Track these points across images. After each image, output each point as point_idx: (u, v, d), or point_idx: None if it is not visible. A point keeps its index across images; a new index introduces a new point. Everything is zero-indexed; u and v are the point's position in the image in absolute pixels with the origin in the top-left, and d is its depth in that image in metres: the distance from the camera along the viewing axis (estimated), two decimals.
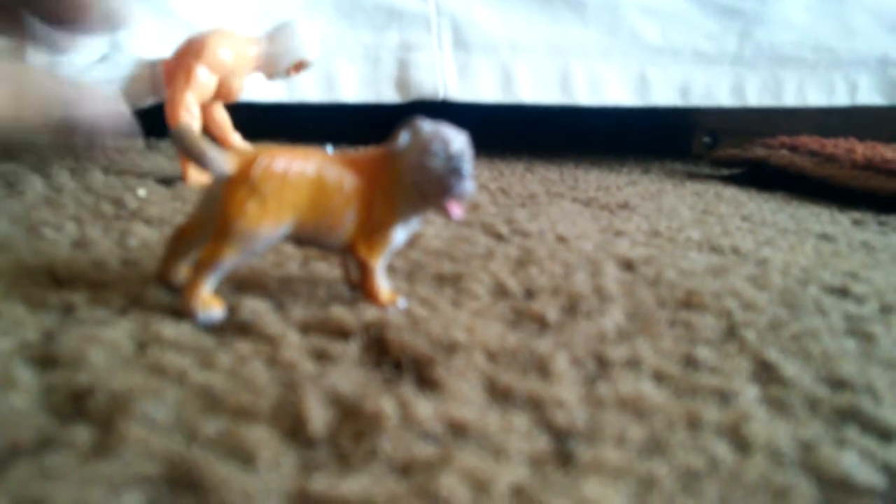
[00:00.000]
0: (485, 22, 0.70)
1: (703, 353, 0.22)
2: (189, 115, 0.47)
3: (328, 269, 0.28)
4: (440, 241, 0.34)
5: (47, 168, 0.46)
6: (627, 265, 0.32)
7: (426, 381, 0.19)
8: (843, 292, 0.30)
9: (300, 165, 0.22)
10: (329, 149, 0.49)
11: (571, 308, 0.25)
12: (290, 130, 0.66)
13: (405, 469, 0.15)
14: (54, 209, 0.36)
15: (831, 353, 0.23)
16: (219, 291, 0.23)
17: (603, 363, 0.21)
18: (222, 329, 0.22)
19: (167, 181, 0.47)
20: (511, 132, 0.91)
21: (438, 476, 0.14)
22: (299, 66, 0.51)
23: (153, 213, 0.36)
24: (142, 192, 0.42)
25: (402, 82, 0.69)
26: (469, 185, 0.23)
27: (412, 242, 0.33)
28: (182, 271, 0.24)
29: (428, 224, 0.39)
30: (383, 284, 0.24)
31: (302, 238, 0.23)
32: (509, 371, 0.20)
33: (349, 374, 0.19)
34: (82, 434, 0.15)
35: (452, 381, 0.19)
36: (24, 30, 0.29)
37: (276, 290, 0.25)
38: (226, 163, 0.22)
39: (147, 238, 0.31)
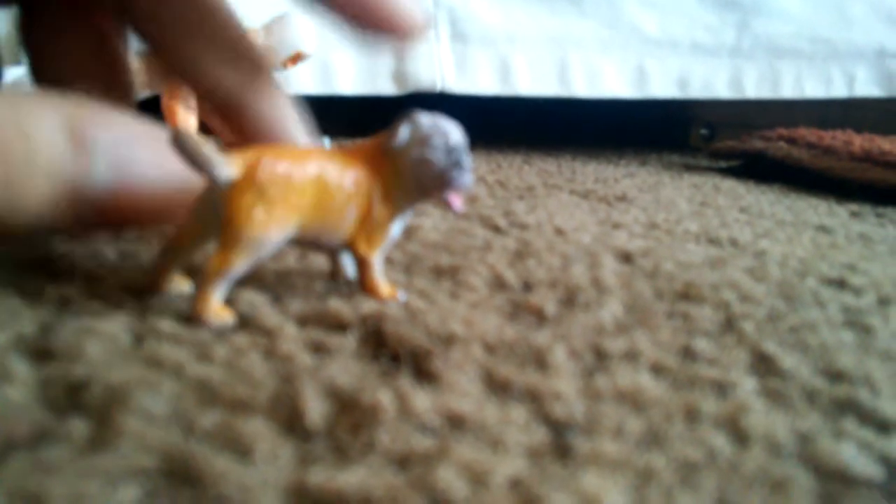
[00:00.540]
0: (483, 14, 0.70)
1: (702, 345, 0.22)
2: (185, 108, 0.46)
3: (326, 262, 0.28)
4: (438, 233, 0.34)
5: None
6: (625, 257, 0.32)
7: (424, 373, 0.19)
8: (840, 284, 0.30)
9: (303, 166, 0.22)
10: (326, 142, 0.49)
11: (569, 300, 0.25)
12: None
13: (403, 461, 0.15)
14: None
15: (829, 345, 0.23)
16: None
17: (601, 355, 0.21)
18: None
19: None
20: (509, 124, 0.91)
21: (436, 468, 0.14)
22: (296, 59, 0.51)
23: None
24: None
25: (399, 74, 0.68)
26: (469, 178, 0.23)
27: (409, 235, 0.33)
28: (175, 280, 0.23)
29: (426, 217, 0.38)
30: (382, 279, 0.24)
31: (305, 239, 0.23)
32: (507, 363, 0.20)
33: (347, 367, 0.19)
34: (79, 427, 0.15)
35: (450, 374, 0.19)
36: None
37: (274, 283, 0.25)
38: (228, 168, 0.21)
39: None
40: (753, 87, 0.79)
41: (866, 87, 0.82)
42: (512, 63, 0.72)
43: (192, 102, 0.46)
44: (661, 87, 0.77)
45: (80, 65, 0.29)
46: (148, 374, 0.18)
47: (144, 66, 0.50)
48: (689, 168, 0.75)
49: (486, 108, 0.78)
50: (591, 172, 0.65)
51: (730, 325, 0.24)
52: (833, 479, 0.16)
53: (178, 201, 0.23)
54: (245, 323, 0.22)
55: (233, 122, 0.26)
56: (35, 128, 0.20)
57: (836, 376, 0.21)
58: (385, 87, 0.69)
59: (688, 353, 0.22)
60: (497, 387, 0.19)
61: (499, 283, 0.27)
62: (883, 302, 0.28)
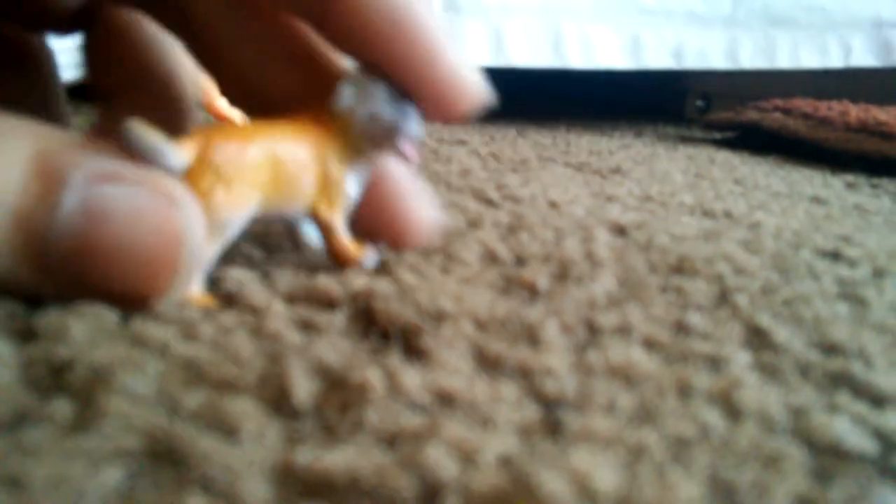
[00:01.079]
0: None
1: (695, 318, 0.22)
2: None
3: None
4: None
5: None
6: (619, 230, 0.32)
7: (414, 350, 0.19)
8: (835, 256, 0.30)
9: (255, 141, 0.21)
10: None
11: (562, 274, 0.25)
12: None
13: (391, 440, 0.15)
14: None
15: (823, 318, 0.23)
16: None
17: (593, 330, 0.21)
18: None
19: None
20: (503, 96, 0.90)
21: (425, 447, 0.14)
22: None
23: None
24: None
25: None
26: (418, 125, 0.24)
27: None
28: None
29: None
30: (348, 241, 0.24)
31: (268, 214, 0.23)
32: (498, 340, 0.20)
33: (335, 345, 0.19)
34: (62, 408, 0.15)
35: (440, 351, 0.19)
36: None
37: (261, 260, 0.25)
38: (180, 155, 0.20)
39: None
40: (749, 58, 0.79)
41: (863, 56, 0.81)
42: (505, 34, 0.71)
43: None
44: (656, 57, 0.76)
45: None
46: (133, 353, 0.17)
47: None
48: (684, 139, 0.75)
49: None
50: (585, 144, 0.65)
51: (724, 298, 0.24)
52: (826, 453, 0.15)
53: (160, 261, 0.19)
54: (232, 301, 0.21)
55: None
56: None
57: (830, 349, 0.20)
58: None
59: (681, 328, 0.21)
60: (488, 363, 0.18)
61: (491, 258, 0.27)
62: (878, 274, 0.28)
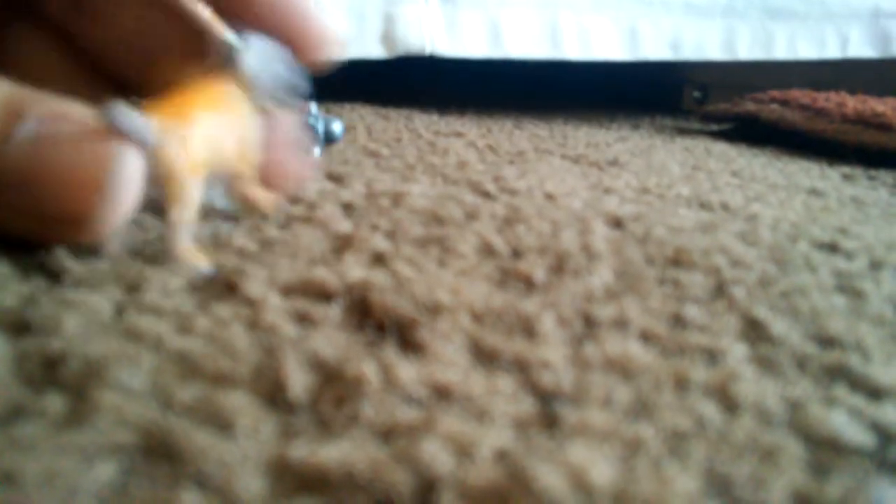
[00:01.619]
0: None
1: (692, 311, 0.22)
2: None
3: (311, 230, 0.28)
4: (426, 199, 0.34)
5: None
6: (616, 223, 0.32)
7: (410, 343, 0.19)
8: (832, 248, 0.30)
9: (202, 112, 0.23)
10: (313, 107, 0.48)
11: (559, 267, 0.25)
12: None
13: (387, 434, 0.15)
14: None
15: (820, 310, 0.22)
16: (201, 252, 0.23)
17: (590, 323, 0.21)
18: (202, 292, 0.21)
19: None
20: (500, 88, 0.90)
21: (421, 441, 0.14)
22: None
23: None
24: None
25: (387, 37, 0.67)
26: (303, 80, 0.26)
27: (396, 201, 0.33)
28: (191, 251, 0.24)
29: (413, 183, 0.38)
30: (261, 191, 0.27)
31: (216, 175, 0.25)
32: (495, 332, 0.19)
33: (331, 338, 0.19)
34: (55, 403, 0.15)
35: (436, 344, 0.18)
36: None
37: (257, 252, 0.25)
38: (152, 130, 0.21)
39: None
40: (746, 49, 0.78)
41: (860, 47, 0.81)
42: (502, 25, 0.70)
43: None
44: (654, 48, 0.75)
45: None
46: (127, 347, 0.17)
47: None
48: (682, 131, 0.75)
49: (477, 72, 0.77)
50: (582, 136, 0.64)
51: (721, 290, 0.24)
52: (824, 446, 0.15)
53: (91, 183, 0.21)
54: (228, 293, 0.21)
55: None
56: None
57: (827, 342, 0.20)
58: (373, 50, 0.67)
59: (678, 320, 0.21)
60: (484, 356, 0.18)
61: (487, 250, 0.27)
62: (875, 266, 0.28)
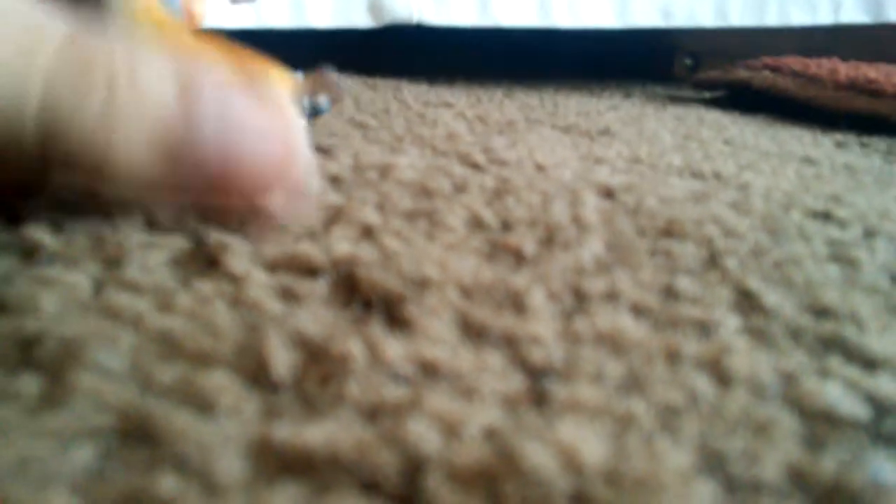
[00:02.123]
0: None
1: (684, 283, 0.21)
2: None
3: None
4: (414, 171, 0.33)
5: None
6: (607, 193, 0.31)
7: (397, 319, 0.18)
8: (825, 216, 0.30)
9: None
10: (299, 75, 0.47)
11: (549, 239, 0.25)
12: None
13: (373, 413, 0.14)
14: None
15: (814, 281, 0.22)
16: (184, 227, 0.22)
17: (580, 297, 0.20)
18: (184, 268, 0.21)
19: None
20: (489, 58, 0.88)
21: (407, 420, 0.14)
22: None
23: None
24: None
25: (374, 6, 0.66)
26: None
27: (384, 173, 0.32)
28: None
29: (401, 154, 0.37)
30: None
31: None
32: (483, 307, 0.19)
33: (316, 315, 0.18)
34: (30, 385, 0.15)
35: (424, 320, 0.18)
36: None
37: (241, 225, 0.24)
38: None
39: None
40: (738, 15, 0.77)
41: (852, 13, 0.80)
42: None
43: None
44: (644, 16, 0.75)
45: None
46: (105, 326, 0.17)
47: None
48: (673, 99, 0.74)
49: (466, 41, 0.76)
50: (573, 106, 0.64)
51: (713, 261, 0.23)
52: (818, 419, 0.15)
53: (279, 172, 0.22)
54: (211, 269, 0.21)
55: None
56: (146, 75, 0.20)
57: (821, 313, 0.20)
58: (360, 19, 0.66)
59: (670, 292, 0.21)
60: (472, 332, 0.18)
61: (476, 223, 0.26)
62: (869, 234, 0.27)
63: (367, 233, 0.24)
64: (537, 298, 0.20)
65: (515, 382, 0.16)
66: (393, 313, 0.19)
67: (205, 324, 0.17)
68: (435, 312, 0.18)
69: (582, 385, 0.16)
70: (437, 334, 0.17)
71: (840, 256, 0.25)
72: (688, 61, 0.91)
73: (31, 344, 0.16)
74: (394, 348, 0.16)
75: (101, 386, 0.15)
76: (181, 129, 0.20)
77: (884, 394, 0.16)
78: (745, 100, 0.69)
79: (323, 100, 0.45)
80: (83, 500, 0.12)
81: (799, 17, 0.79)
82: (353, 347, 0.16)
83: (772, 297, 0.21)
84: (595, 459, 0.13)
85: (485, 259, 0.23)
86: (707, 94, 0.78)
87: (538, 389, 0.15)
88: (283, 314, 0.18)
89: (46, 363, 0.15)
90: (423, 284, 0.20)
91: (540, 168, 0.36)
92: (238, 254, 0.22)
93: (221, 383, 0.15)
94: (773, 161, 0.43)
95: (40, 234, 0.22)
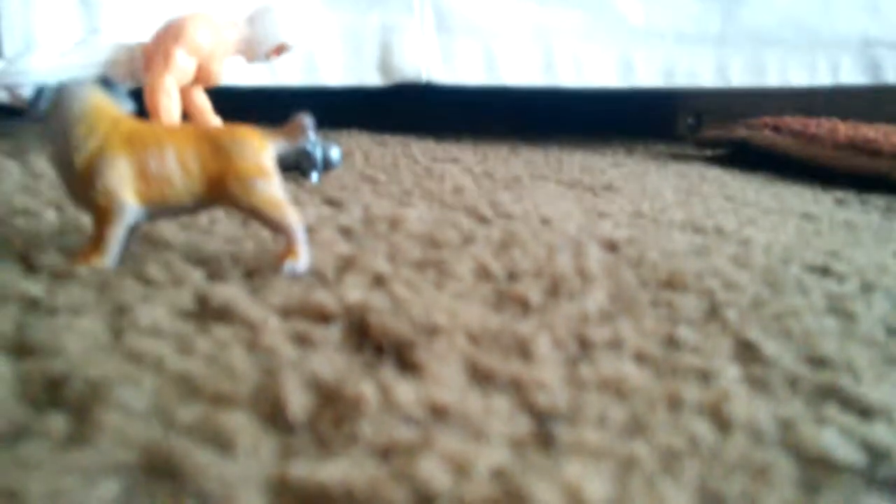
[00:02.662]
0: (468, 3, 0.70)
1: (685, 333, 0.22)
2: (168, 100, 0.46)
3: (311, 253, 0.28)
4: (423, 224, 0.34)
5: (24, 155, 0.46)
6: (610, 246, 0.32)
7: (407, 364, 0.19)
8: (824, 271, 0.30)
9: None
10: (311, 133, 0.48)
11: (554, 290, 0.25)
12: (272, 114, 0.66)
13: (385, 453, 0.15)
14: (32, 196, 0.35)
15: (812, 332, 0.23)
16: (193, 277, 0.23)
17: (585, 344, 0.21)
18: (201, 314, 0.22)
19: None
20: (495, 115, 0.90)
21: (419, 460, 0.14)
22: (279, 50, 0.50)
23: None
24: None
25: (384, 65, 0.68)
26: None
27: (394, 225, 0.33)
28: None
29: (411, 208, 0.38)
30: None
31: None
32: (491, 353, 0.20)
33: (330, 359, 0.19)
34: (57, 423, 0.15)
35: (434, 365, 0.19)
36: None
37: (256, 273, 0.25)
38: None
39: None
40: (738, 76, 0.79)
41: (851, 74, 0.82)
42: (497, 53, 0.71)
43: (175, 94, 0.46)
44: (647, 76, 0.76)
45: None
46: (128, 368, 0.18)
47: (128, 58, 0.49)
48: (676, 157, 0.76)
49: (473, 100, 0.78)
50: (577, 162, 0.65)
51: (714, 312, 0.24)
52: (815, 465, 0.16)
53: None
54: (227, 315, 0.21)
55: None
56: None
57: (818, 363, 0.21)
58: (371, 78, 0.68)
59: (671, 342, 0.22)
60: (480, 377, 0.18)
61: (484, 273, 0.27)
62: (866, 288, 0.28)
63: (379, 281, 0.25)
64: (543, 345, 0.20)
65: (522, 425, 0.16)
66: (403, 358, 0.19)
67: (223, 367, 0.18)
68: (444, 358, 0.19)
69: (586, 428, 0.16)
70: (447, 379, 0.18)
71: (838, 309, 0.25)
72: (690, 120, 0.93)
73: (57, 384, 0.17)
74: (405, 391, 0.17)
75: (125, 424, 0.15)
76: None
77: (879, 441, 0.16)
78: (746, 158, 0.71)
79: (335, 152, 0.46)
80: None
81: (798, 78, 0.81)
82: (366, 390, 0.17)
83: (771, 347, 0.21)
84: (599, 499, 0.13)
85: (492, 307, 0.24)
86: (709, 152, 0.79)
87: (544, 432, 0.16)
88: (297, 358, 0.19)
89: (73, 402, 0.16)
90: (432, 331, 0.21)
91: (545, 221, 0.37)
92: (252, 302, 0.22)
93: (240, 423, 0.16)
94: (774, 217, 0.44)
95: (51, 281, 0.23)
